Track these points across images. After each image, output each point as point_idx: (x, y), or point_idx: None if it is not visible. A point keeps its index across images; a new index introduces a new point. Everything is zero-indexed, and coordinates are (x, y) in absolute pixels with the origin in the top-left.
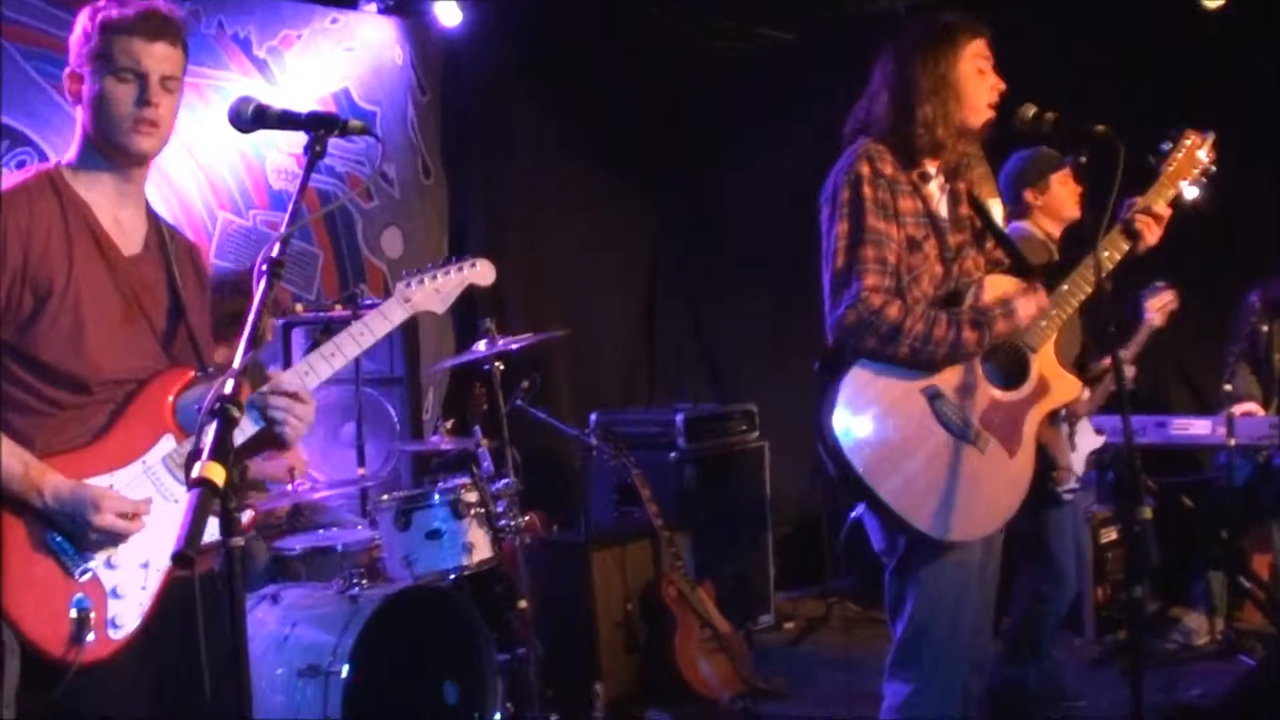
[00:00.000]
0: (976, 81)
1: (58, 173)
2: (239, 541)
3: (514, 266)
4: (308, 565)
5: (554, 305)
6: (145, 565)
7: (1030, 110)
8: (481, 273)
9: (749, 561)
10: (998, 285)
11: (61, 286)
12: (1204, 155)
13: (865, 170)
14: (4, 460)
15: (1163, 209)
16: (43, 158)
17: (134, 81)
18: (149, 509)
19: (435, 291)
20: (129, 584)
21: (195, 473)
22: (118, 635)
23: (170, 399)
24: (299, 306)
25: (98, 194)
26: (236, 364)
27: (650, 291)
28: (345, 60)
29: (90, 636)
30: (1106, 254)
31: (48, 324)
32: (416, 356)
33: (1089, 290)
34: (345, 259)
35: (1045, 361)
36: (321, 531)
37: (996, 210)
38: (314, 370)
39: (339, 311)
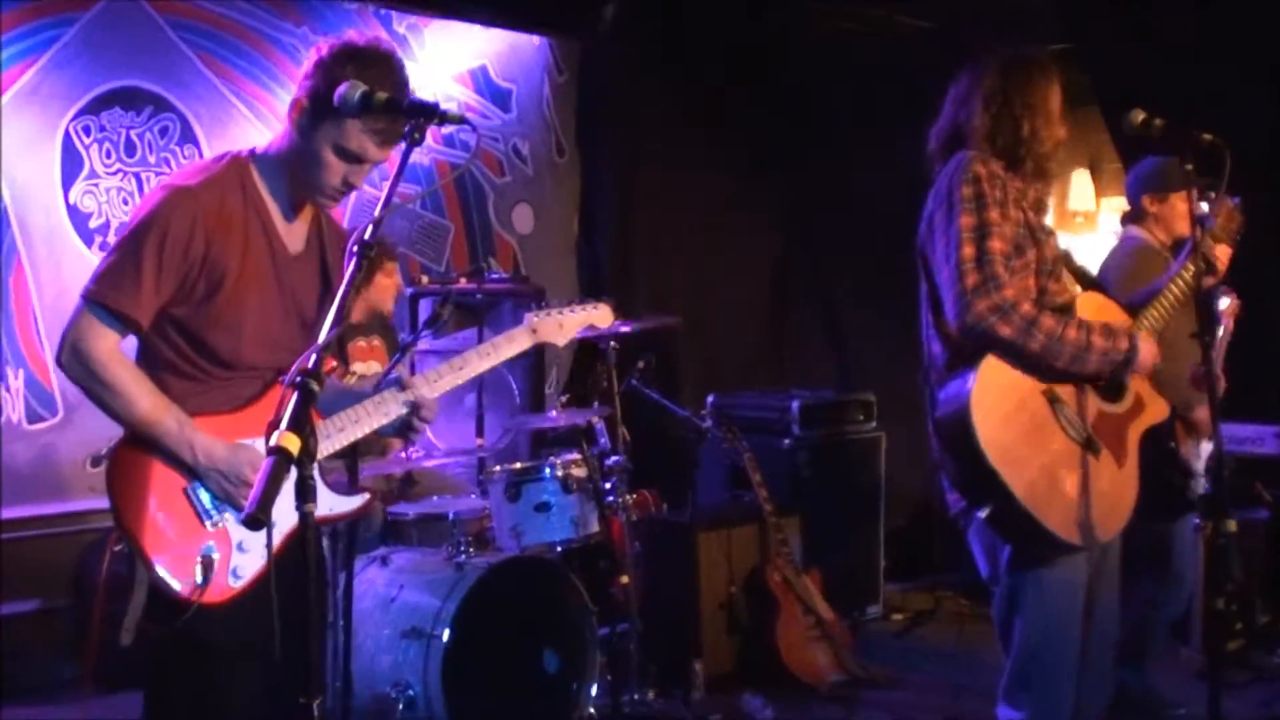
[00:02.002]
0: (1053, 127)
1: (246, 166)
2: (312, 508)
3: (642, 247)
4: (420, 530)
5: (681, 287)
6: (271, 524)
7: (1139, 116)
8: (602, 315)
9: (859, 551)
10: (1091, 301)
11: (233, 280)
12: (1237, 215)
13: (982, 170)
14: (163, 417)
15: (1223, 251)
16: (185, 124)
17: (351, 163)
18: None
19: (559, 326)
20: (254, 539)
21: (272, 441)
22: (237, 584)
23: None
24: (425, 278)
25: (276, 194)
26: (321, 339)
27: (778, 277)
28: (483, 38)
29: (211, 582)
30: (1181, 283)
31: (214, 311)
32: None
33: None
34: (476, 233)
35: (1139, 380)
36: (435, 498)
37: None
38: (441, 379)
39: (464, 284)
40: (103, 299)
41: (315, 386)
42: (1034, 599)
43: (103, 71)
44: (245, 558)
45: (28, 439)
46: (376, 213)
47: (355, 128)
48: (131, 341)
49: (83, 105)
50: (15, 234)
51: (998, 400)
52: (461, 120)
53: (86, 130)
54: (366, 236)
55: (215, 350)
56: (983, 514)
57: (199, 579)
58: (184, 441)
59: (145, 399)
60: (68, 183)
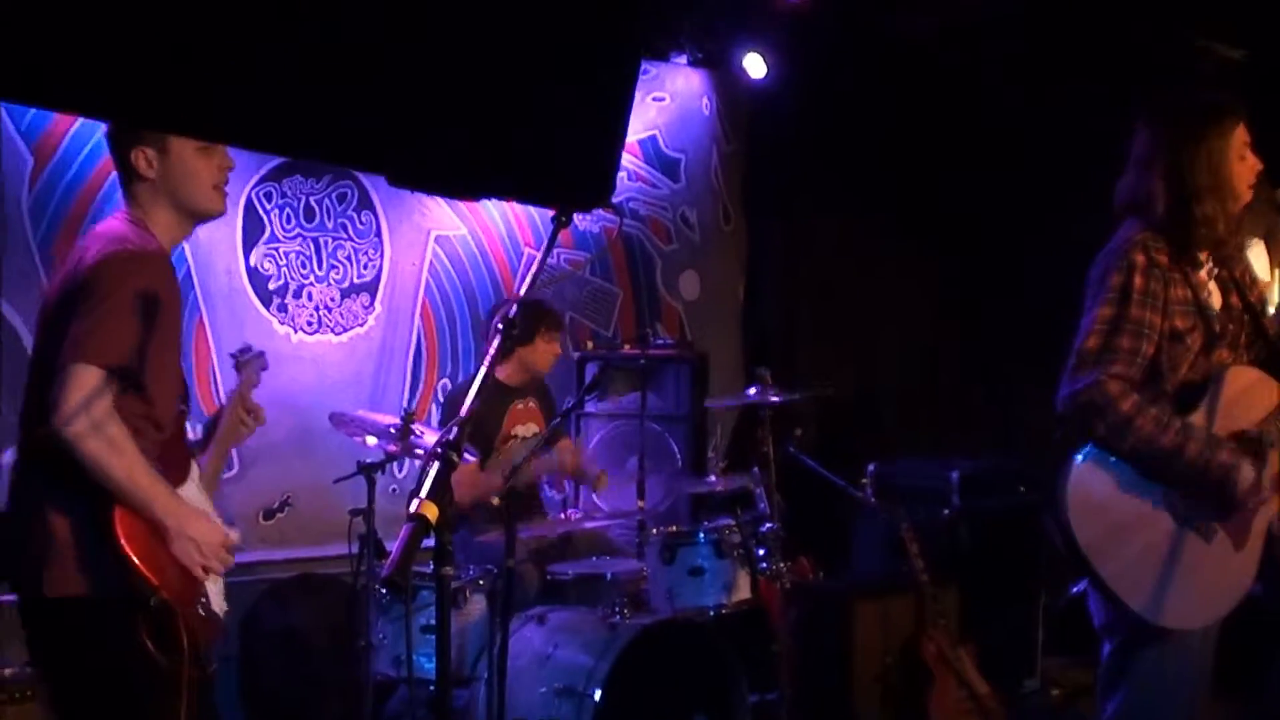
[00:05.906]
0: (1241, 168)
1: (141, 221)
2: (449, 571)
3: (806, 316)
4: (578, 590)
5: (843, 353)
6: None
7: None
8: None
9: (1017, 624)
10: (1240, 377)
11: (174, 330)
12: None
13: (1140, 259)
14: (156, 481)
15: None
16: (362, 192)
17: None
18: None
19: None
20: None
21: (413, 508)
22: (222, 615)
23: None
24: (589, 343)
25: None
26: (463, 412)
27: (939, 345)
28: (655, 109)
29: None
30: None
31: (161, 363)
32: (703, 397)
33: None
34: (643, 299)
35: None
36: (594, 559)
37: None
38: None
39: (628, 350)
40: (112, 361)
41: (456, 458)
42: (1143, 667)
43: None
44: (215, 589)
45: None
46: (519, 290)
47: None
48: None
49: (265, 173)
50: (197, 294)
51: (1102, 482)
52: (609, 206)
53: (269, 196)
54: (511, 314)
55: (155, 405)
56: (1076, 590)
57: (208, 619)
58: (170, 510)
59: (142, 461)
60: (249, 246)
